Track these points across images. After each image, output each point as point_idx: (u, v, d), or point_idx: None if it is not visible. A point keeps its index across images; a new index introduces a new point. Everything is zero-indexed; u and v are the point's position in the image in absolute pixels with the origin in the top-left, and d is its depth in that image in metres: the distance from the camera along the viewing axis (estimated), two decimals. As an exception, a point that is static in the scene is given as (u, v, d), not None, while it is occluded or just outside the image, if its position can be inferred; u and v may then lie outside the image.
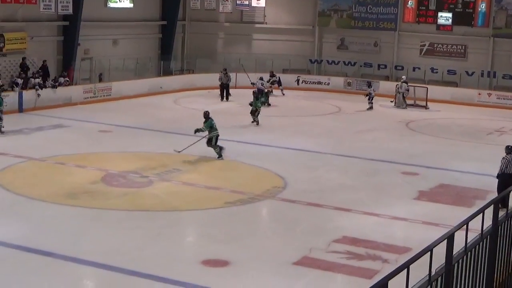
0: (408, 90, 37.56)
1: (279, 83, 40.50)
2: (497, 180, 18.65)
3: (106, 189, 19.17)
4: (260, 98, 31.39)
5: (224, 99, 37.36)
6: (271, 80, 39.65)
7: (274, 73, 40.33)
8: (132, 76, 38.55)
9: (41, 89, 31.79)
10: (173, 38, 44.03)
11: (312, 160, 23.99)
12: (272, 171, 21.77)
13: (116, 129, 28.13)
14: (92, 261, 13.76)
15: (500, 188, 17.77)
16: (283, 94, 40.14)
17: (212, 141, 23.15)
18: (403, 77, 38.71)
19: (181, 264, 13.93)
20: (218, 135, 23.24)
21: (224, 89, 37.70)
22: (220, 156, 23.10)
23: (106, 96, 35.60)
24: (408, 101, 37.66)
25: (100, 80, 37.68)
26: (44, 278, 12.99)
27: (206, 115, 23.38)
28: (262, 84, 35.63)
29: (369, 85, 37.66)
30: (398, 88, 37.57)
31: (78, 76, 36.86)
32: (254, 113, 30.05)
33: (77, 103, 33.35)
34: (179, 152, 22.37)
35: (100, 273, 13.43)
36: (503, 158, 18.41)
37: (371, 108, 36.10)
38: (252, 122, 29.97)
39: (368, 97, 36.21)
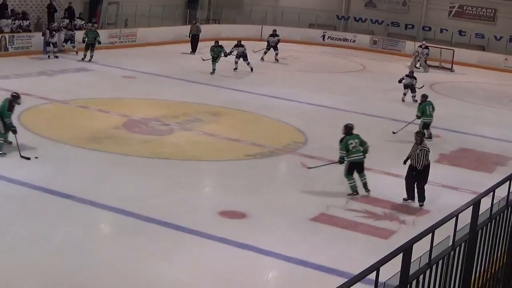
0: (428, 55, 36.96)
1: (244, 56, 31.26)
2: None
3: (127, 135, 19.20)
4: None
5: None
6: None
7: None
8: (158, 23, 38.35)
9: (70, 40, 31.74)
10: (201, -13, 43.78)
11: (334, 117, 23.84)
12: (294, 126, 21.70)
13: (140, 75, 28.09)
14: (110, 205, 13.81)
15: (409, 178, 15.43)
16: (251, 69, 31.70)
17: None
18: (423, 42, 38.04)
19: (198, 213, 13.95)
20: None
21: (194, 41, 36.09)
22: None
23: (131, 42, 35.52)
24: (434, 63, 37.26)
25: (126, 25, 37.56)
26: (62, 220, 13.06)
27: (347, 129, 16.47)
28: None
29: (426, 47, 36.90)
30: (419, 54, 36.88)
31: (104, 21, 36.74)
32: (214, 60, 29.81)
33: (102, 47, 33.25)
34: (308, 168, 16.83)
35: (118, 218, 13.49)
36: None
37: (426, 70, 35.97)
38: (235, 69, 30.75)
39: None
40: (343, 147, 15.87)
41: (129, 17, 38.08)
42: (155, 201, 14.39)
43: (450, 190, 16.66)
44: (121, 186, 15.13)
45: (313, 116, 23.66)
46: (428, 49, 36.85)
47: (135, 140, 18.84)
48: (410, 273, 5.04)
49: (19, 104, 16.89)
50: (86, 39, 29.95)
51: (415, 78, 26.29)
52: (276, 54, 34.57)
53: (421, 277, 5.24)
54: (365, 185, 15.82)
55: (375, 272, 4.55)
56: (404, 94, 26.79)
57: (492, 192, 6.76)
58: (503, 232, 7.33)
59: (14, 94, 16.88)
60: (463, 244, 6.08)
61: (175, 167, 16.91)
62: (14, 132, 16.43)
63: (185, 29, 38.53)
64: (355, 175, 15.78)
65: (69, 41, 31.26)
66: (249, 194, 15.47)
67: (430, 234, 5.39)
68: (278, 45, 34.55)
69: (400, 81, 26.74)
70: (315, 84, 29.86)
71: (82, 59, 29.80)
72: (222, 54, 29.74)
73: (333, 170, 17.52)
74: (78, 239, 12.25)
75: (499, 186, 7.12)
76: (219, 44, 29.87)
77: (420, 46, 36.94)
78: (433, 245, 5.71)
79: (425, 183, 15.27)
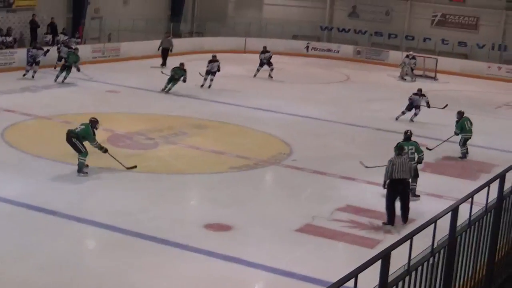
0: (415, 64, 37.18)
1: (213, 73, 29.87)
2: (501, 154, 18.66)
3: (112, 150, 19.12)
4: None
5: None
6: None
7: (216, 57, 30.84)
8: (141, 37, 38.36)
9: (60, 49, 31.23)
10: (184, 0, 43.80)
11: (319, 127, 23.95)
12: (279, 138, 21.74)
13: (124, 89, 28.08)
14: (95, 221, 13.78)
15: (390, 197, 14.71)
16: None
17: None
18: (410, 52, 38.19)
19: (183, 227, 13.95)
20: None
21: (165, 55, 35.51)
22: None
23: (115, 56, 35.50)
24: (417, 72, 37.43)
25: (109, 40, 37.55)
26: (47, 236, 13.01)
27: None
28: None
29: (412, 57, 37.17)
30: (406, 64, 37.03)
31: (87, 36, 36.73)
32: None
33: (85, 62, 33.23)
34: (366, 167, 17.67)
35: (104, 233, 13.45)
36: (390, 160, 14.73)
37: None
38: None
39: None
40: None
41: (112, 31, 38.06)
42: (141, 215, 14.36)
43: (435, 198, 16.72)
44: (107, 201, 15.10)
45: (298, 127, 23.71)
46: (415, 59, 37.06)
47: (120, 154, 18.76)
48: (390, 280, 5.08)
49: (97, 129, 17.27)
50: (67, 60, 28.57)
51: (425, 95, 25.52)
52: (271, 70, 33.46)
53: (400, 283, 5.27)
54: (412, 190, 16.03)
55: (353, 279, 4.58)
56: (403, 113, 25.68)
57: (470, 198, 6.81)
58: (482, 238, 7.38)
59: (93, 119, 17.27)
60: (441, 251, 6.12)
61: (160, 181, 16.90)
62: (105, 151, 17.06)
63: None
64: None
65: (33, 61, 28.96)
66: (234, 206, 15.47)
67: (409, 241, 5.42)
68: (271, 61, 33.58)
69: (410, 99, 25.66)
70: (299, 95, 29.92)
71: (55, 80, 28.23)
72: (182, 79, 27.85)
73: (319, 180, 17.61)
74: (64, 255, 12.21)
75: (477, 192, 7.18)
76: (184, 67, 28.17)
77: (407, 56, 37.13)
78: (414, 253, 5.76)
79: (409, 200, 14.78)
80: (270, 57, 33.69)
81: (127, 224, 13.63)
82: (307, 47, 43.92)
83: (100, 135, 20.26)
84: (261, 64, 33.52)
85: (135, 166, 17.25)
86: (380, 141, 22.03)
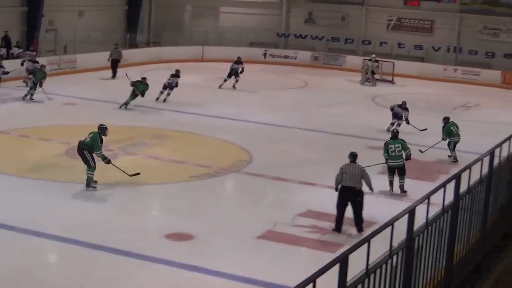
0: (378, 67, 37.50)
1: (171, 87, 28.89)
2: (458, 155, 18.88)
3: (70, 163, 18.99)
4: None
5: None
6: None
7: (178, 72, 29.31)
8: (97, 49, 38.10)
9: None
10: (140, 10, 43.68)
11: (278, 134, 23.99)
12: (238, 145, 21.73)
13: (81, 101, 27.87)
14: (55, 234, 13.65)
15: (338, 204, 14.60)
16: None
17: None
18: (373, 55, 38.49)
19: (145, 238, 13.87)
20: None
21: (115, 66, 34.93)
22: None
23: (71, 68, 35.22)
24: (375, 76, 37.71)
25: (65, 52, 37.25)
26: (6, 252, 12.85)
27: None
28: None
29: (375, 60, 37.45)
30: (369, 67, 37.34)
31: (42, 48, 36.41)
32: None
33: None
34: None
35: (63, 246, 13.32)
36: (341, 168, 14.82)
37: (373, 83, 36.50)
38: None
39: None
40: (384, 150, 17.55)
41: (68, 43, 37.78)
42: (101, 227, 14.25)
43: (395, 200, 16.85)
44: (66, 215, 14.96)
45: (257, 134, 23.74)
46: (378, 62, 37.35)
47: (78, 167, 18.60)
48: (349, 283, 5.08)
49: (106, 135, 17.14)
50: (33, 78, 27.82)
51: (407, 110, 24.83)
52: (236, 81, 32.83)
53: (359, 286, 5.28)
54: (401, 187, 17.32)
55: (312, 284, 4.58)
56: (392, 124, 24.81)
57: (427, 199, 6.86)
58: (440, 238, 7.43)
59: (102, 126, 17.19)
60: (400, 253, 6.15)
61: (120, 192, 16.78)
62: (108, 162, 16.87)
63: (125, 54, 38.36)
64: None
65: None
66: (195, 215, 15.42)
67: (367, 244, 5.43)
68: (239, 73, 32.93)
69: (392, 109, 25.24)
70: (257, 102, 29.96)
71: (23, 98, 27.55)
72: (141, 94, 26.87)
73: (279, 186, 17.61)
74: (24, 270, 12.07)
75: (433, 193, 7.22)
76: (146, 82, 27.21)
77: (370, 60, 37.40)
78: (374, 256, 5.77)
79: (362, 209, 14.45)
80: (243, 70, 33.04)
81: (86, 237, 13.51)
82: (265, 54, 44.01)
83: (58, 148, 20.18)
84: (230, 75, 32.90)
85: (139, 173, 17.26)
86: (339, 146, 22.09)
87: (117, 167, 17.08)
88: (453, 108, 30.80)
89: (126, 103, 26.87)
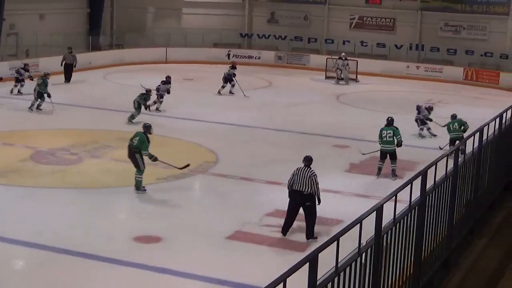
0: (348, 66, 37.61)
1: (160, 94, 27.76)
2: (424, 151, 19.00)
3: (35, 167, 18.85)
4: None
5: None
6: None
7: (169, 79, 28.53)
8: (60, 52, 37.77)
9: None
10: (101, 13, 43.37)
11: (244, 134, 24.01)
12: (204, 146, 21.71)
13: (45, 105, 27.60)
14: (20, 240, 13.54)
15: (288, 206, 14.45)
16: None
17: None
18: (342, 54, 38.64)
19: (113, 241, 13.79)
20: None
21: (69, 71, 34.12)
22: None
23: (34, 72, 34.83)
24: (334, 74, 37.88)
25: (27, 56, 36.91)
26: (-28, 259, 12.73)
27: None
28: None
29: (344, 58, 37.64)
30: (339, 66, 37.43)
31: (4, 52, 36.04)
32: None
33: (3, 79, 32.63)
34: (363, 154, 20.34)
35: (29, 251, 13.22)
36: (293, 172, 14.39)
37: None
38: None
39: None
40: (378, 136, 19.07)
41: (30, 47, 37.45)
42: (68, 231, 14.16)
43: (362, 198, 16.95)
44: (31, 219, 14.82)
45: (223, 134, 23.73)
46: (347, 59, 37.51)
47: (43, 171, 18.53)
48: (319, 282, 5.11)
49: (151, 134, 17.24)
50: (38, 88, 26.78)
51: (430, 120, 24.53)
52: (233, 86, 32.02)
53: (329, 285, 5.31)
54: (392, 171, 18.83)
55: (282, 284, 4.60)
56: (421, 129, 24.67)
57: (394, 197, 6.91)
58: (408, 235, 7.50)
59: (146, 124, 17.38)
60: (368, 250, 6.19)
61: (86, 196, 16.69)
62: (155, 160, 17.05)
63: (88, 57, 38.25)
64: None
65: None
66: (163, 217, 15.39)
67: (336, 243, 5.47)
68: (234, 78, 32.05)
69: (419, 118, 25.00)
70: (223, 103, 29.94)
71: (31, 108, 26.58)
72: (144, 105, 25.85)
73: (247, 187, 17.63)
74: (-11, 277, 11.95)
75: (400, 191, 7.28)
76: (150, 93, 26.04)
77: (341, 58, 37.54)
78: (343, 254, 5.81)
79: (315, 216, 14.11)
80: (234, 75, 32.28)
81: (53, 242, 13.41)
82: (228, 55, 43.93)
83: (22, 153, 19.99)
84: (226, 80, 32.24)
85: (188, 165, 17.40)
86: (306, 145, 22.17)
87: (165, 162, 17.31)
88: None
89: (132, 118, 24.92)
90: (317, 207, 14.16)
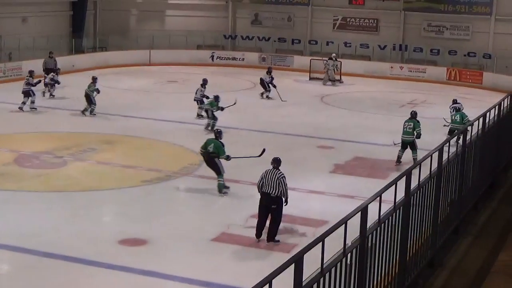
0: (337, 66, 37.68)
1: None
2: (408, 151, 19.18)
3: (19, 171, 18.77)
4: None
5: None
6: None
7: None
8: (43, 55, 37.62)
9: None
10: (85, 15, 43.30)
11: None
12: (188, 148, 21.67)
13: (28, 109, 27.51)
14: (4, 244, 13.46)
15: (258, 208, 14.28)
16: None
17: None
18: (333, 54, 38.74)
19: (98, 244, 13.74)
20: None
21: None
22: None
23: (17, 75, 34.71)
24: (322, 75, 37.95)
25: (10, 59, 36.75)
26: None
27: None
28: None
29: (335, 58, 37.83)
30: (330, 66, 37.49)
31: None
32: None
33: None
34: (395, 144, 21.05)
35: (14, 255, 13.18)
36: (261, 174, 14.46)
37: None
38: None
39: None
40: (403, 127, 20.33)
41: (13, 50, 37.29)
42: (53, 235, 14.10)
43: (347, 199, 16.96)
44: (16, 223, 14.75)
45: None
46: (337, 60, 37.57)
47: (28, 175, 18.44)
48: (305, 283, 5.11)
49: (222, 138, 17.40)
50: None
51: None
52: (269, 92, 32.10)
53: (315, 286, 5.31)
54: (414, 160, 19.56)
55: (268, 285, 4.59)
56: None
57: (379, 197, 6.92)
58: (393, 235, 7.51)
59: (218, 130, 17.73)
60: (354, 250, 6.20)
61: (71, 200, 16.62)
62: (229, 158, 17.17)
63: (72, 60, 38.12)
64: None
65: None
66: (148, 220, 15.34)
67: (321, 243, 5.47)
68: (271, 84, 32.06)
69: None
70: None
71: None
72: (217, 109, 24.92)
73: (232, 189, 17.58)
74: (-26, 281, 11.89)
75: (385, 191, 7.29)
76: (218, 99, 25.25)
77: (331, 59, 37.59)
78: (328, 254, 5.81)
79: (279, 220, 14.01)
80: (272, 78, 32.35)
81: (38, 245, 13.36)
82: (212, 57, 43.98)
83: (6, 157, 19.90)
84: (264, 86, 32.28)
85: (264, 150, 17.53)
86: (290, 146, 22.24)
87: (241, 157, 17.53)
88: (400, 106, 31.15)
89: (209, 126, 24.50)
90: (302, 209, 14.23)
